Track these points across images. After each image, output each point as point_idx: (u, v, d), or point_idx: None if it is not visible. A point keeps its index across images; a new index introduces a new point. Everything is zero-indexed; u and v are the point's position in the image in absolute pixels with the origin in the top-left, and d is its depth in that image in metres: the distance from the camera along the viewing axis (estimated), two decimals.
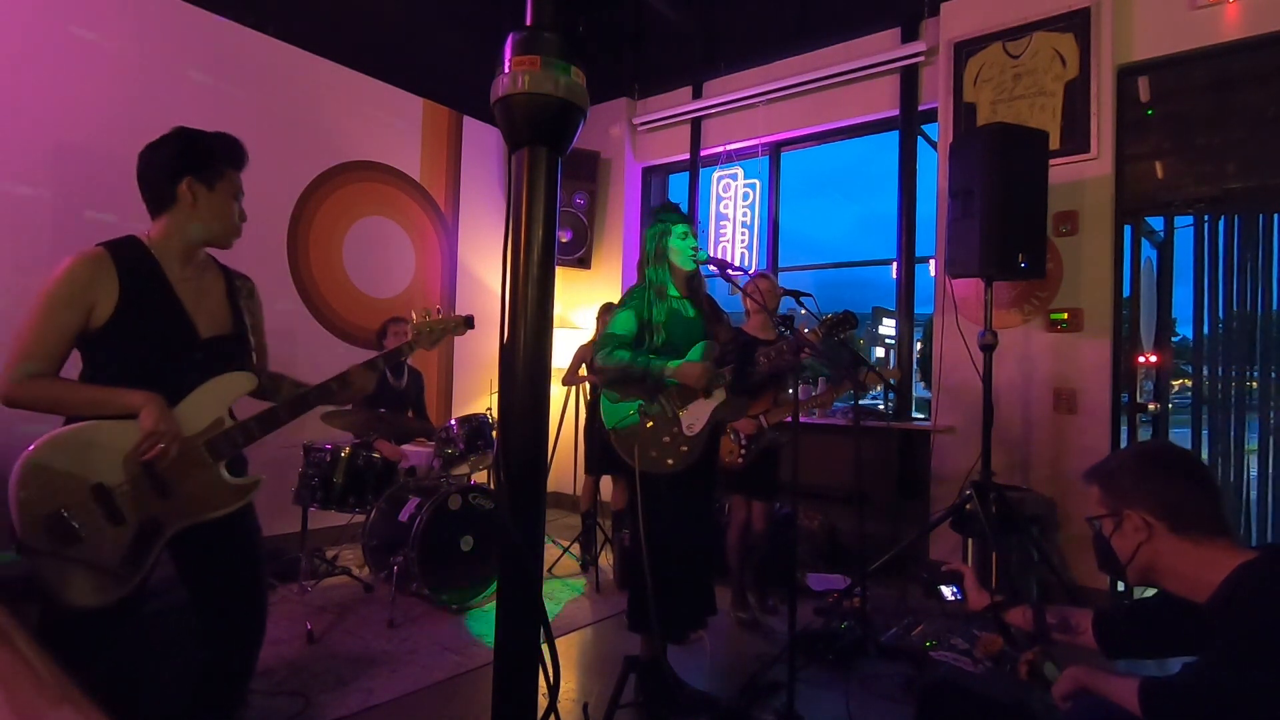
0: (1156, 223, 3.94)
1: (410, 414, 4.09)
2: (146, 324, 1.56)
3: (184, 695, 1.69)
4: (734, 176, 5.29)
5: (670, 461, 2.35)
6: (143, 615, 1.66)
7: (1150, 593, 1.40)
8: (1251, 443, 3.70)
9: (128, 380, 1.51)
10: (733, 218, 5.28)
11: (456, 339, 5.30)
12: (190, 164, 1.59)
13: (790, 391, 2.45)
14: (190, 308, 1.62)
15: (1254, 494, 3.68)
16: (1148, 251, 4.02)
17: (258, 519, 1.76)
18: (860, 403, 3.03)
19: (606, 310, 4.31)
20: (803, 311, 2.54)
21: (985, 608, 1.62)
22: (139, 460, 1.49)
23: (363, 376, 1.81)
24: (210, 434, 1.59)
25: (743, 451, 3.22)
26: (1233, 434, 3.68)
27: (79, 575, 1.44)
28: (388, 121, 4.97)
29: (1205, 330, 3.75)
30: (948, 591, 1.72)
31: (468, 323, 2.04)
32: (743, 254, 5.22)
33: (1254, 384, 3.68)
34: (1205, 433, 3.77)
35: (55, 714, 0.37)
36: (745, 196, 5.25)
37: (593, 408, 4.11)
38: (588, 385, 4.34)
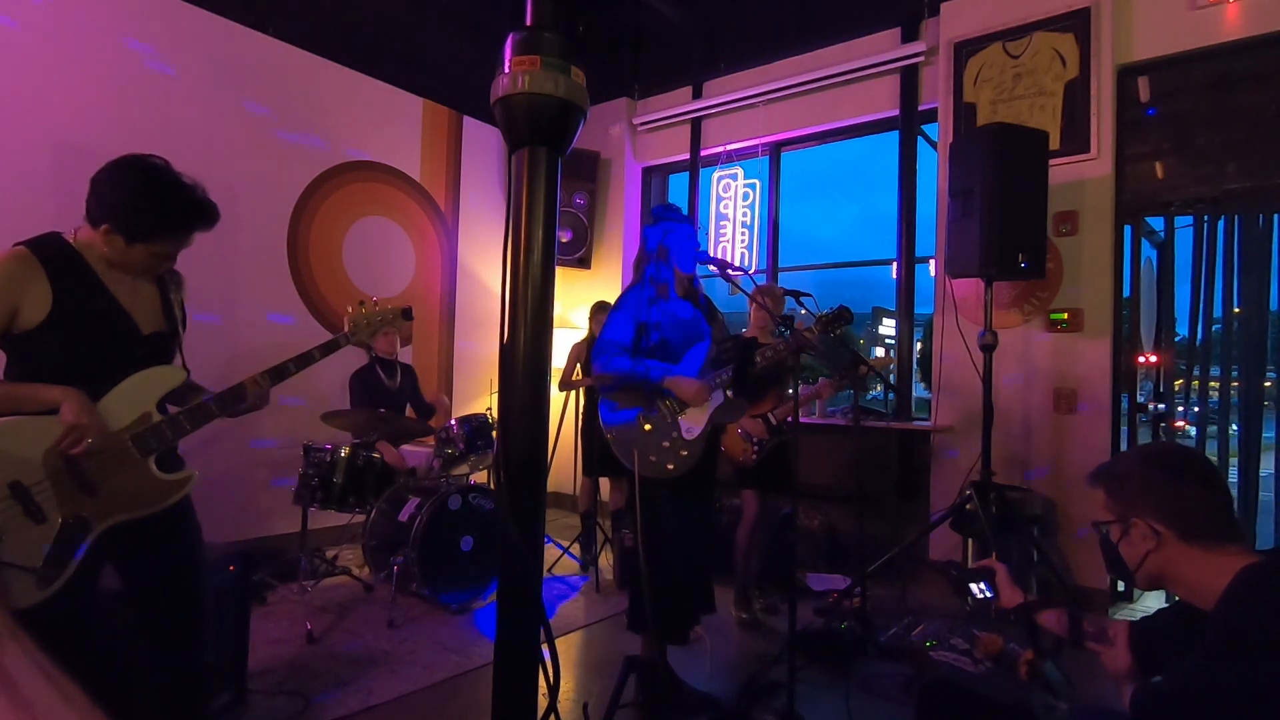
0: (1156, 223, 3.94)
1: (410, 411, 4.08)
2: (86, 324, 1.54)
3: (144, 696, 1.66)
4: (734, 176, 5.29)
5: (670, 466, 2.35)
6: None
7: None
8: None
9: (69, 380, 1.48)
10: (733, 218, 5.28)
11: (456, 339, 5.40)
12: (114, 218, 1.54)
13: (791, 390, 2.46)
14: (127, 305, 1.61)
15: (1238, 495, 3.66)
16: (1148, 251, 4.02)
17: (196, 516, 1.73)
18: (860, 403, 3.03)
19: (600, 309, 4.29)
20: (803, 312, 2.54)
21: (1018, 607, 1.56)
22: (61, 456, 1.45)
23: (291, 369, 1.79)
24: (137, 428, 1.56)
25: (755, 449, 3.23)
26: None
27: (3, 575, 1.40)
28: (388, 121, 4.97)
29: (1200, 331, 3.74)
30: (977, 588, 1.63)
31: (405, 314, 2.03)
32: (743, 254, 5.22)
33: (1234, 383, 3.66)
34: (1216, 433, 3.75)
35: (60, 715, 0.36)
36: (745, 196, 5.24)
37: (589, 410, 4.11)
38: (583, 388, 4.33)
